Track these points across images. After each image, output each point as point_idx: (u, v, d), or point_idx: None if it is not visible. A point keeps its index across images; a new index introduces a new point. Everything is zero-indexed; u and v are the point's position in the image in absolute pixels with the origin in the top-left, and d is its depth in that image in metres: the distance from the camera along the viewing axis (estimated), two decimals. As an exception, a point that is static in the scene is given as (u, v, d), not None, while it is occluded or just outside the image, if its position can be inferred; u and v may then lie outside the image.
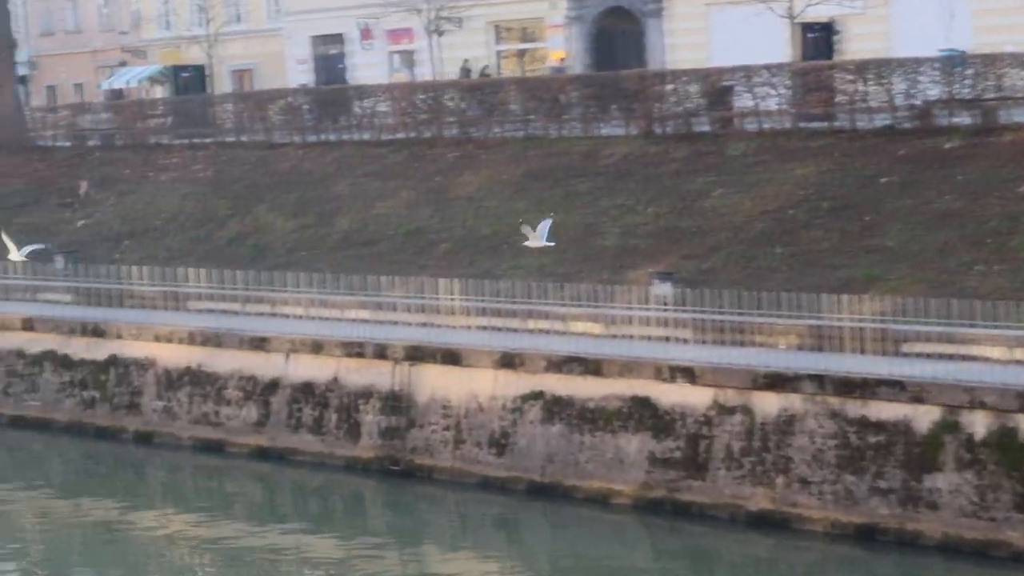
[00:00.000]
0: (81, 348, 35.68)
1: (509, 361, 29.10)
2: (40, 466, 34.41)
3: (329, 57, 61.66)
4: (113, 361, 35.00)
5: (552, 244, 32.82)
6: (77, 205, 44.56)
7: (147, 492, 32.08)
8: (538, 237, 32.42)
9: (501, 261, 34.73)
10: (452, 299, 31.90)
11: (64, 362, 35.88)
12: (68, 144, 49.97)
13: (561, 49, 54.43)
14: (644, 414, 27.31)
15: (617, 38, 53.99)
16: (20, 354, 36.69)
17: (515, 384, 28.94)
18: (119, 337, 35.12)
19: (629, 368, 27.72)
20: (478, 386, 29.43)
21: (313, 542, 27.46)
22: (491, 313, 31.68)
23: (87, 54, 74.59)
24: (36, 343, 36.48)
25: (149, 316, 35.68)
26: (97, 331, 35.51)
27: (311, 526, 28.56)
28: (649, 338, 29.28)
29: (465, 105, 42.12)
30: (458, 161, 39.56)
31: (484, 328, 31.34)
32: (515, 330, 30.91)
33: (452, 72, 51.99)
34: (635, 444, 27.30)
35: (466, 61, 53.88)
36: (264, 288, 34.57)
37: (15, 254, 40.05)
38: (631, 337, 29.47)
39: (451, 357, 29.94)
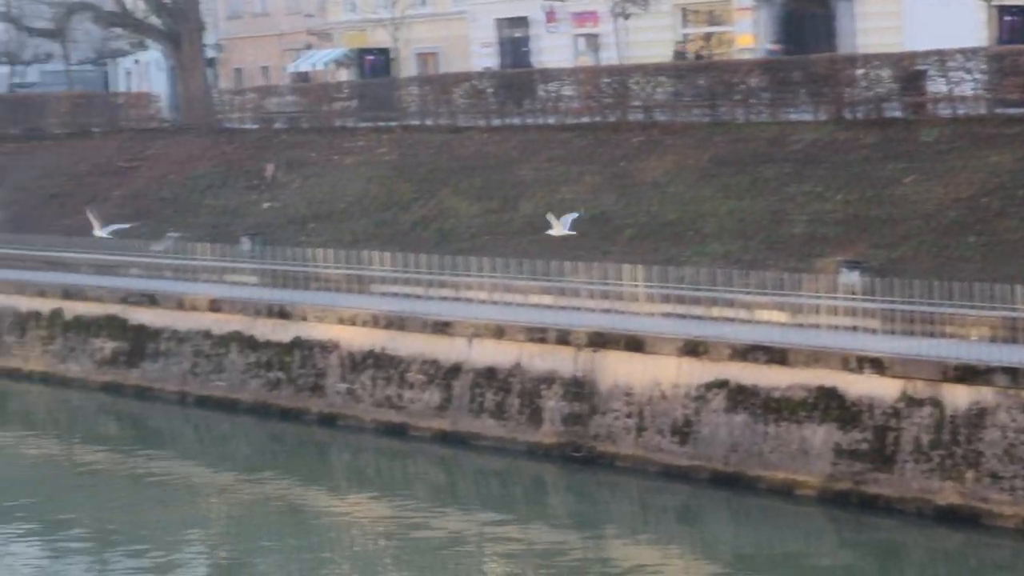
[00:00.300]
0: (267, 330, 36.32)
1: (693, 349, 29.04)
2: (225, 446, 35.13)
3: (514, 40, 61.87)
4: (298, 343, 35.59)
5: (573, 233, 34.51)
6: (264, 188, 45.30)
7: (330, 474, 32.59)
8: (561, 226, 34.26)
9: (686, 247, 34.64)
10: (636, 285, 31.91)
11: (250, 343, 36.56)
12: (255, 127, 50.79)
13: (749, 33, 54.02)
14: (830, 405, 27.09)
15: (806, 21, 53.43)
16: (207, 335, 37.46)
17: (699, 372, 28.88)
18: (304, 319, 35.69)
19: (816, 358, 27.51)
20: (661, 373, 29.42)
21: (494, 527, 27.66)
22: (675, 300, 31.65)
23: (274, 37, 75.67)
24: (223, 324, 37.21)
25: (333, 299, 36.21)
26: (283, 313, 36.13)
27: (492, 511, 28.78)
28: (836, 328, 29.05)
29: (681, 87, 41.52)
30: (643, 146, 39.49)
31: (668, 315, 31.33)
32: (699, 317, 30.86)
33: (638, 56, 51.83)
34: (821, 435, 27.09)
35: (679, 43, 53.76)
36: (447, 272, 34.87)
37: (99, 231, 41.51)
38: (817, 326, 29.25)
39: (634, 344, 29.96)
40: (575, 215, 34.95)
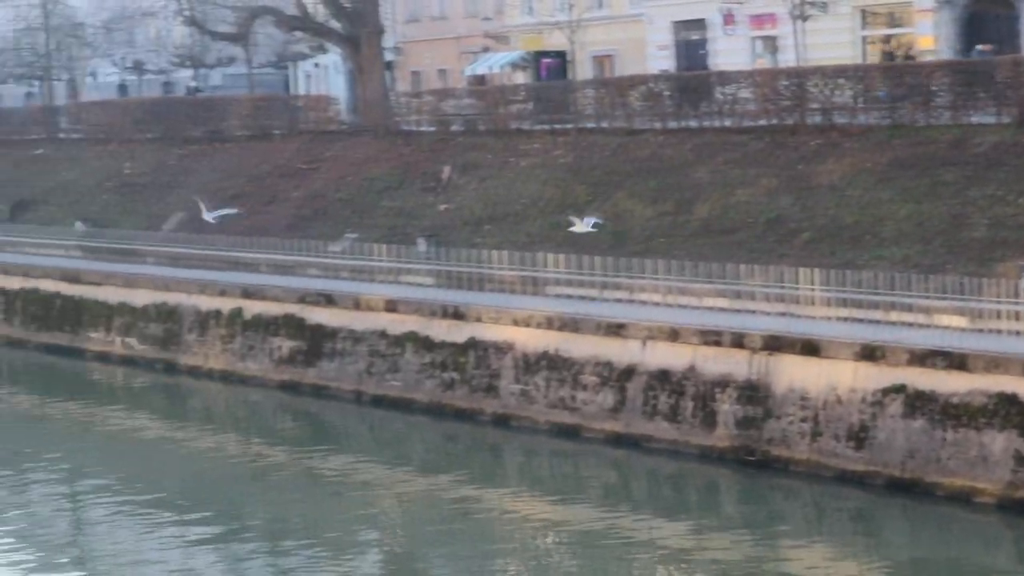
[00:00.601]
0: (442, 330, 36.69)
1: (870, 353, 28.81)
2: (400, 445, 35.55)
3: (690, 43, 61.76)
4: (472, 344, 35.91)
5: (594, 230, 38.42)
6: (440, 190, 45.75)
7: (503, 474, 32.83)
8: (584, 225, 37.86)
9: (863, 251, 34.37)
10: (812, 289, 31.74)
11: (425, 344, 36.96)
12: (432, 129, 51.29)
13: (929, 34, 53.37)
14: (1011, 411, 26.70)
15: (989, 23, 52.64)
16: (383, 335, 37.93)
17: (875, 377, 28.64)
18: (479, 320, 36.00)
19: (996, 363, 27.14)
20: (838, 378, 29.23)
21: (665, 529, 27.71)
22: (852, 304, 31.42)
23: (451, 40, 76.36)
24: (399, 324, 37.67)
25: (508, 300, 36.47)
26: (457, 314, 36.47)
27: (664, 513, 28.81)
28: (1018, 333, 28.63)
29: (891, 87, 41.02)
30: (821, 149, 39.24)
31: (845, 319, 31.12)
32: (877, 322, 30.59)
33: (817, 58, 51.47)
34: (1000, 442, 26.72)
35: (887, 43, 53.25)
36: (622, 275, 34.96)
37: (206, 215, 42.58)
38: (998, 331, 28.86)
39: (810, 348, 29.80)
40: (596, 219, 38.61)
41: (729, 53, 58.14)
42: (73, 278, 47.49)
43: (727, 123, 43.33)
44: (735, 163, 39.79)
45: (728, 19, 59.70)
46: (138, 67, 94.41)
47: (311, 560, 26.33)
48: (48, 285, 48.31)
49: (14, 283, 49.65)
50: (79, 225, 52.73)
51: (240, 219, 47.10)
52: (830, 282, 31.59)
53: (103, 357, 45.52)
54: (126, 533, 28.22)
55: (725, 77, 45.67)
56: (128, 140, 60.38)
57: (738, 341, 31.04)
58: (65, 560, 26.66)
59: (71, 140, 64.86)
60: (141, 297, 44.93)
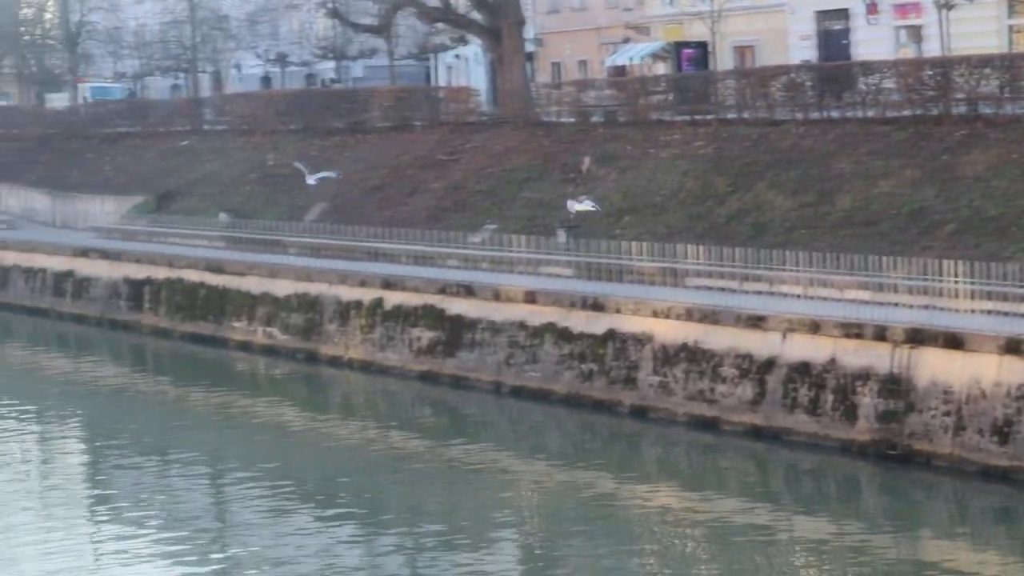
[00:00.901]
0: (581, 322, 36.75)
1: (1015, 347, 28.41)
2: (538, 436, 35.66)
3: (832, 33, 61.21)
4: (611, 335, 35.92)
5: (595, 208, 40.37)
6: (579, 181, 45.75)
7: (641, 466, 32.81)
8: (580, 205, 40.15)
9: (1009, 243, 33.87)
10: (956, 282, 31.36)
11: (564, 335, 37.04)
12: (572, 120, 51.31)
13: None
14: None
15: None
16: (522, 326, 38.07)
17: (1020, 371, 28.24)
18: (618, 312, 36.01)
19: None
20: (982, 371, 28.87)
21: (804, 523, 27.55)
22: (997, 297, 31.02)
23: (591, 31, 76.30)
24: (538, 316, 37.77)
25: (647, 292, 36.44)
26: (596, 305, 36.50)
27: (803, 507, 28.66)
28: None
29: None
30: (966, 139, 38.71)
31: (989, 312, 30.71)
32: (1022, 315, 30.15)
33: (962, 47, 50.77)
34: None
35: None
36: (762, 266, 34.77)
37: (308, 179, 44.11)
38: None
39: (953, 341, 29.46)
40: (591, 201, 40.79)
41: (872, 43, 57.53)
42: (217, 268, 48.18)
43: (870, 113, 42.88)
44: (878, 154, 39.39)
45: (871, 8, 59.08)
46: (281, 59, 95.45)
47: (449, 549, 26.51)
48: (192, 275, 49.05)
49: (159, 273, 50.45)
50: (223, 216, 53.47)
51: (336, 181, 50.21)
52: (974, 274, 31.20)
53: (245, 346, 46.14)
54: (265, 520, 28.60)
55: (868, 67, 45.17)
56: (271, 131, 61.06)
57: (880, 334, 30.78)
58: (205, 547, 27.06)
59: (216, 132, 65.73)
60: (283, 287, 45.46)
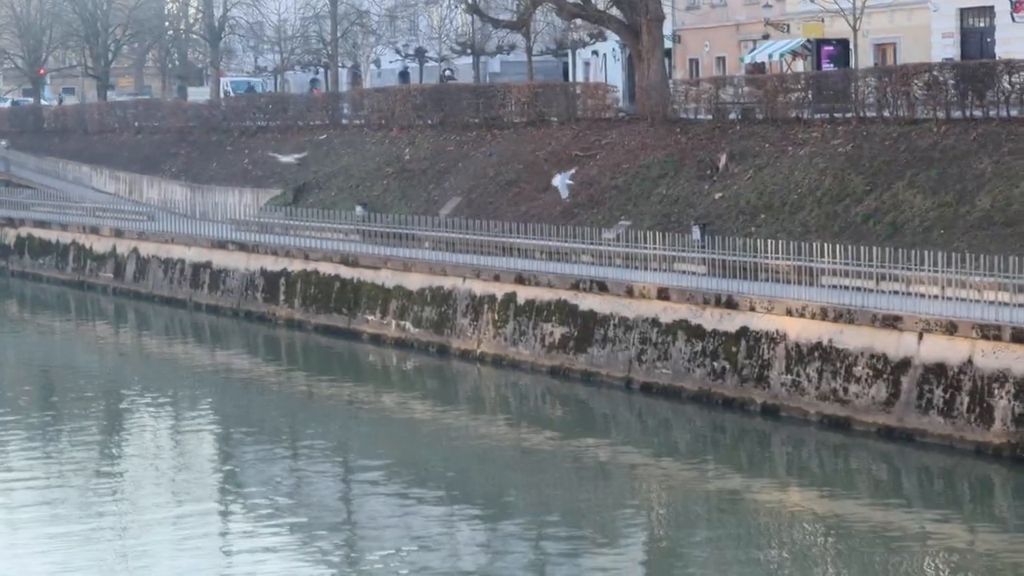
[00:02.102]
0: (713, 319, 36.64)
1: None
2: (668, 433, 35.61)
3: (976, 30, 60.41)
4: (744, 333, 35.78)
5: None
6: (715, 178, 45.58)
7: (770, 465, 32.63)
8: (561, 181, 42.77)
9: None
10: (1097, 284, 30.84)
11: (696, 332, 36.95)
12: (708, 117, 51.09)
13: None
14: None
15: None
16: (654, 322, 38.03)
17: None
18: (751, 309, 35.87)
19: None
20: (1121, 376, 28.42)
21: (937, 527, 27.25)
22: None
23: (730, 27, 75.93)
24: (670, 312, 37.72)
25: (781, 290, 36.22)
26: (730, 302, 36.37)
27: (936, 510, 28.34)
28: None
29: None
30: (1111, 139, 38.08)
31: None
32: None
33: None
34: None
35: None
36: (899, 266, 34.43)
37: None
38: None
39: (1093, 344, 29.03)
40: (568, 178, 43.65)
41: (1017, 41, 56.65)
42: (351, 261, 48.61)
43: (1013, 113, 42.27)
44: (1020, 154, 38.79)
45: (1018, 6, 58.22)
46: (419, 54, 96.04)
47: (574, 545, 26.56)
48: (327, 268, 49.53)
49: (295, 265, 51.00)
50: (359, 209, 53.91)
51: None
52: (1116, 277, 30.69)
53: (377, 339, 46.53)
54: (391, 513, 28.80)
55: (1013, 65, 44.48)
56: (408, 126, 61.45)
57: (1019, 336, 30.38)
58: (330, 538, 27.33)
59: (353, 126, 66.25)
60: (416, 281, 45.78)
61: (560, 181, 41.28)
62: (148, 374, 45.91)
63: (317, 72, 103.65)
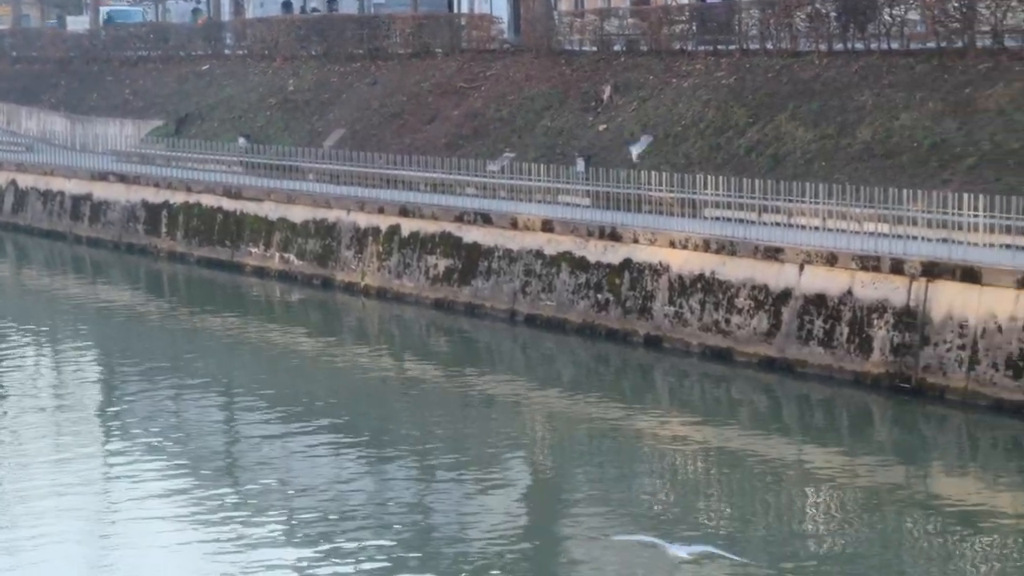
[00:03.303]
0: (597, 251, 36.81)
1: (1032, 281, 28.41)
2: (551, 365, 35.79)
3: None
4: (627, 265, 35.99)
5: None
6: (599, 110, 45.69)
7: (653, 396, 32.94)
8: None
9: (1029, 177, 33.76)
10: (975, 215, 31.28)
11: (580, 264, 37.12)
12: (593, 49, 51.15)
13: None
14: None
15: None
16: (538, 255, 38.15)
17: (1037, 305, 28.24)
18: (634, 241, 36.07)
19: None
20: (998, 306, 28.89)
21: (815, 454, 27.65)
22: (1016, 231, 30.93)
23: (617, -40, 75.94)
24: (554, 244, 37.84)
25: (665, 222, 36.45)
26: (613, 235, 36.56)
27: (814, 439, 28.77)
28: None
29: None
30: (990, 72, 38.50)
31: (1007, 246, 30.65)
32: (1040, 249, 30.14)
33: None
34: None
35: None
36: (780, 198, 34.72)
37: None
38: None
39: (970, 275, 29.48)
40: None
41: (900, -26, 57.01)
42: (234, 193, 48.31)
43: (894, 45, 42.66)
44: (900, 86, 39.22)
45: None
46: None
47: (457, 476, 26.68)
48: (210, 200, 49.19)
49: (177, 197, 50.59)
50: (241, 141, 53.52)
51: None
52: (993, 208, 31.12)
53: (261, 272, 46.35)
54: (274, 447, 28.77)
55: (894, -2, 44.87)
56: (291, 57, 61.01)
57: (897, 267, 30.80)
58: (213, 474, 27.25)
59: (236, 56, 65.69)
60: (300, 213, 45.59)
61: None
62: (26, 308, 45.44)
63: (199, 1, 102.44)
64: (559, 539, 23.89)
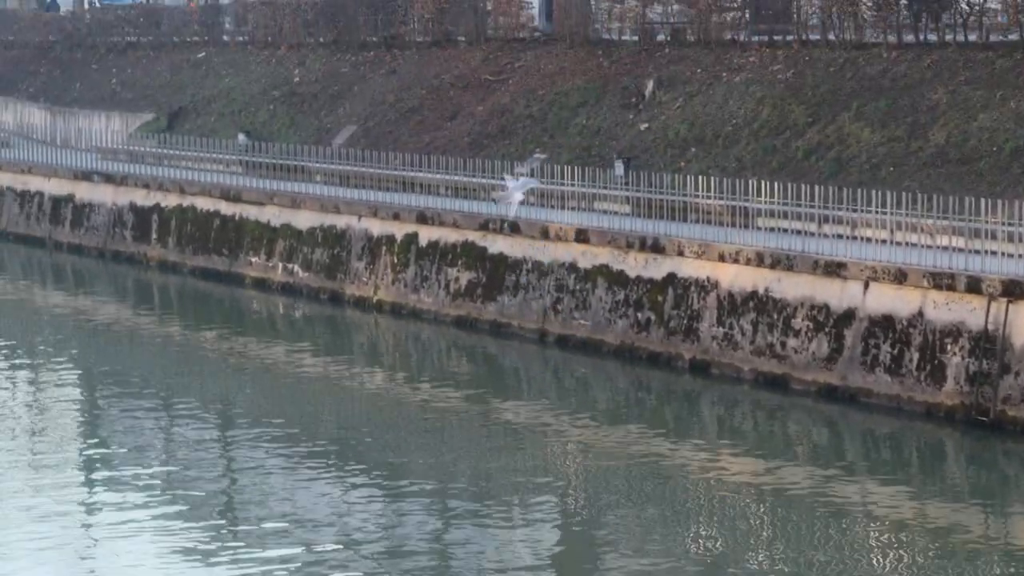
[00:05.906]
0: (638, 265, 36.84)
1: (1125, 303, 28.36)
2: (585, 392, 35.81)
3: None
4: (671, 280, 36.01)
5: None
6: (641, 107, 45.72)
7: (699, 428, 32.94)
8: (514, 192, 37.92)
9: (1124, 187, 33.73)
10: (1061, 228, 31.24)
11: (618, 279, 37.13)
12: (634, 39, 51.18)
13: None
14: None
15: None
16: (572, 268, 38.18)
17: None
18: (679, 254, 36.08)
19: None
20: (1086, 330, 28.88)
21: (881, 495, 27.61)
22: (1109, 247, 30.91)
23: (661, -61, 76.02)
24: (590, 257, 37.87)
25: (714, 233, 36.46)
26: (656, 247, 36.58)
27: (880, 478, 28.71)
28: None
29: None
30: (1080, 68, 38.53)
31: (1099, 264, 30.64)
32: None
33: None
34: None
35: None
36: (843, 207, 34.69)
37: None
38: None
39: (1056, 295, 29.47)
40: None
41: (978, -43, 57.03)
42: (233, 196, 48.43)
43: (971, 37, 42.63)
44: (978, 83, 39.19)
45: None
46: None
47: (478, 514, 26.67)
48: (205, 203, 49.33)
49: (169, 200, 50.74)
50: (241, 138, 53.63)
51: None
52: (1085, 221, 31.10)
53: (262, 284, 46.45)
54: (277, 480, 28.81)
55: (971, -15, 44.87)
56: (297, 44, 61.13)
57: (974, 286, 30.78)
58: (209, 508, 27.30)
59: (236, 43, 65.80)
60: (306, 219, 45.69)
61: (513, 190, 38.23)
62: (0, 322, 45.58)
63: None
64: (594, 587, 23.92)
